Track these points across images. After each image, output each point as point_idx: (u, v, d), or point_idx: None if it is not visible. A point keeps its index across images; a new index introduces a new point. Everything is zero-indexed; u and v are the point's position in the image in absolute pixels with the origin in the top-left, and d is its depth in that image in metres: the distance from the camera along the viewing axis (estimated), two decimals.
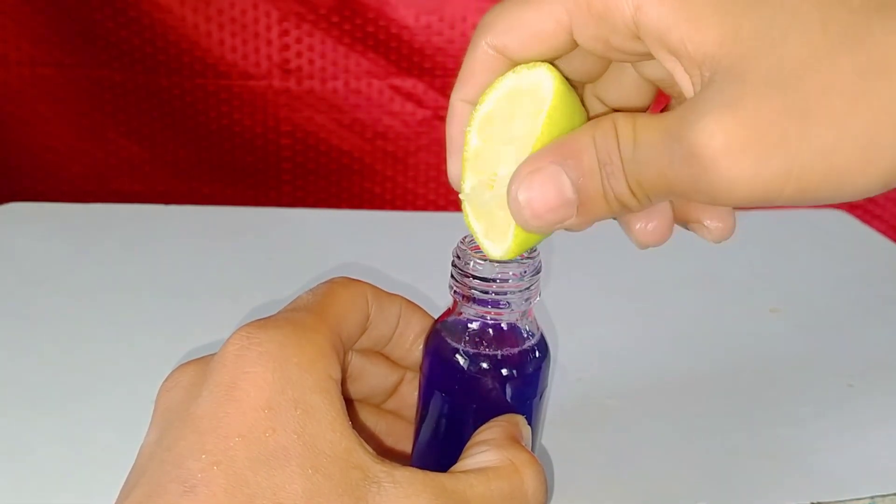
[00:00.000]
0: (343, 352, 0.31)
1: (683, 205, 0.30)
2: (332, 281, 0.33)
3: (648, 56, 0.27)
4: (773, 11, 0.24)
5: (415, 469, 0.28)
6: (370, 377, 0.35)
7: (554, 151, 0.27)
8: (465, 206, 0.31)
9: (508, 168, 0.29)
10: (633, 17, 0.25)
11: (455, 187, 0.31)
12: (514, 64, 0.29)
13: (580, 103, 0.30)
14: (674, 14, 0.25)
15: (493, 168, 0.30)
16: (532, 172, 0.27)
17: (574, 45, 0.28)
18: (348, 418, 0.28)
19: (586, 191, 0.27)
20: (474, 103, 0.30)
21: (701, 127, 0.24)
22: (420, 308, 0.36)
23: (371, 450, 0.28)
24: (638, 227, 0.30)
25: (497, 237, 0.31)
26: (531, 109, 0.29)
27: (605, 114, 0.29)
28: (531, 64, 0.29)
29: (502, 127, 0.29)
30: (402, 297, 0.35)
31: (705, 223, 0.30)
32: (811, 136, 0.23)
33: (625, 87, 0.32)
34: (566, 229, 0.29)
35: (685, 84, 0.26)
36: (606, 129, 0.26)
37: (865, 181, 0.24)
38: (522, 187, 0.27)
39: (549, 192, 0.27)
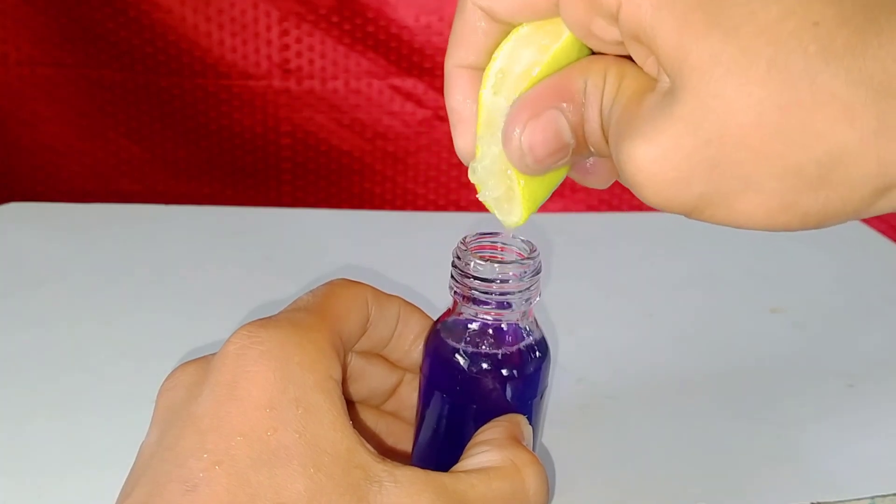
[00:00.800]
0: (343, 352, 0.31)
1: None
2: (332, 282, 0.33)
3: (622, 47, 0.27)
4: (725, 46, 0.23)
5: (416, 468, 0.28)
6: (369, 378, 0.35)
7: (551, 94, 0.28)
8: (475, 178, 0.30)
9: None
10: (617, 8, 0.25)
11: (465, 162, 0.31)
12: (504, 25, 0.28)
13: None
14: (646, 21, 0.25)
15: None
16: (533, 118, 0.28)
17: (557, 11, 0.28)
18: (349, 418, 0.28)
19: (579, 134, 0.28)
20: (470, 67, 0.29)
21: (627, 147, 0.25)
22: (419, 309, 0.36)
23: (372, 449, 0.28)
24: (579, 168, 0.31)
25: (508, 201, 0.30)
26: (542, 43, 0.28)
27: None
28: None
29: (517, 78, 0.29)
30: (400, 299, 0.35)
31: None
32: (715, 180, 0.24)
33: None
34: None
35: (652, 72, 0.26)
36: (598, 77, 0.27)
37: (771, 227, 0.25)
38: (526, 133, 0.28)
39: (550, 137, 0.28)
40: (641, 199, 0.26)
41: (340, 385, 0.29)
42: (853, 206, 0.24)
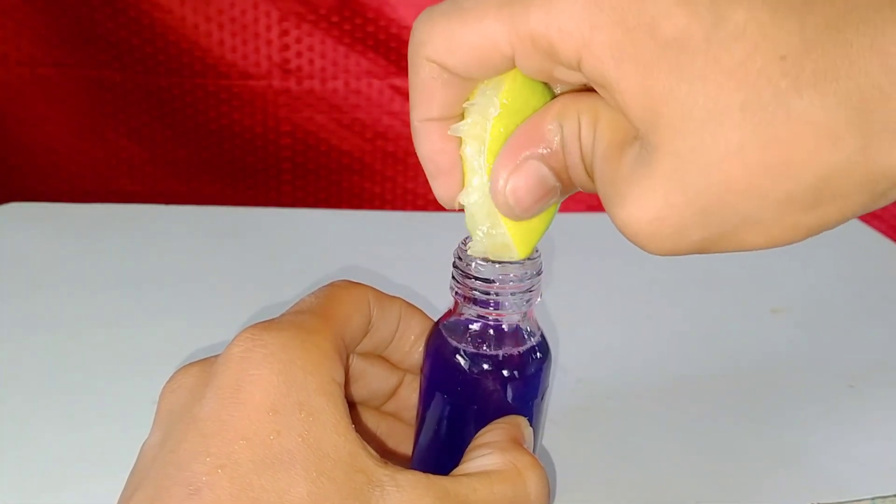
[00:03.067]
0: (346, 355, 0.31)
1: None
2: (333, 284, 0.33)
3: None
4: (695, 97, 0.23)
5: (418, 472, 0.28)
6: (370, 380, 0.35)
7: (528, 142, 0.28)
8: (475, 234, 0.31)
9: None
10: (577, 62, 0.25)
11: (447, 206, 0.31)
12: (459, 77, 0.28)
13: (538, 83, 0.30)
14: (609, 76, 0.25)
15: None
16: (514, 170, 0.28)
17: (513, 66, 0.28)
18: (351, 421, 0.28)
19: (564, 177, 0.28)
20: (435, 120, 0.29)
21: (619, 213, 0.26)
22: (420, 310, 0.36)
23: (374, 453, 0.28)
24: None
25: (501, 245, 0.31)
26: (493, 89, 0.29)
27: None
28: None
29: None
30: (401, 300, 0.35)
31: None
32: (713, 225, 0.25)
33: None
34: None
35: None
36: (572, 121, 0.27)
37: (774, 247, 0.26)
38: (510, 184, 0.28)
39: (534, 185, 0.28)
40: (649, 251, 0.26)
41: (343, 388, 0.29)
42: (852, 212, 0.24)
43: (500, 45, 0.26)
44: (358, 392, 0.35)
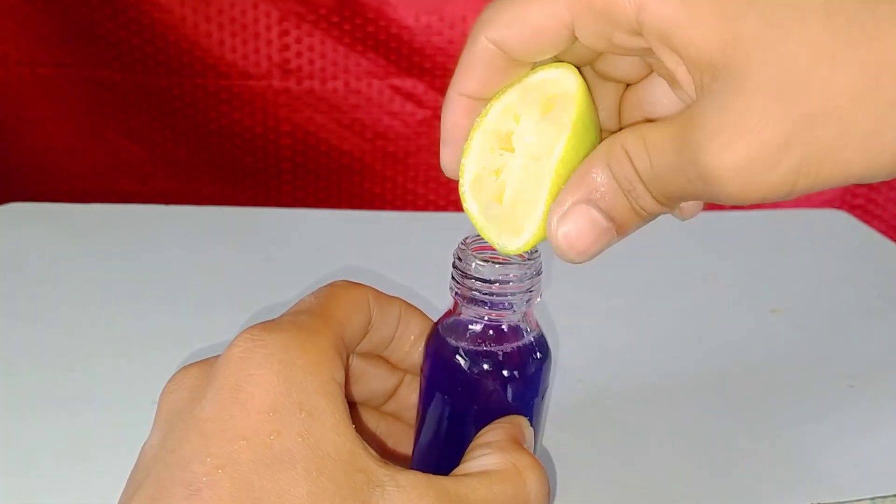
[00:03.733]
0: (346, 355, 0.31)
1: None
2: (333, 284, 0.33)
3: (650, 51, 0.27)
4: (776, 7, 0.23)
5: (418, 472, 0.28)
6: (370, 380, 0.35)
7: (576, 189, 0.28)
8: (470, 204, 0.31)
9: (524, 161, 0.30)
10: (637, 16, 0.25)
11: (448, 175, 0.32)
12: (513, 60, 0.29)
13: (595, 108, 0.30)
14: (677, 15, 0.24)
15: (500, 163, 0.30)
16: (564, 215, 0.28)
17: (573, 39, 0.28)
18: (351, 421, 0.28)
19: (619, 215, 0.28)
20: (471, 97, 0.30)
21: (709, 150, 0.24)
22: (419, 311, 0.36)
23: (374, 453, 0.28)
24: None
25: (509, 228, 0.31)
26: (555, 118, 0.29)
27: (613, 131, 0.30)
28: (554, 64, 0.29)
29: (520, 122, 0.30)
30: (401, 300, 0.35)
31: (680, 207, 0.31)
32: (814, 137, 0.24)
33: (623, 64, 0.31)
34: None
35: (686, 83, 0.26)
36: (620, 157, 0.28)
37: (872, 173, 0.24)
38: (560, 230, 0.28)
39: (585, 228, 0.28)
40: (741, 196, 0.25)
41: (343, 388, 0.29)
42: None
43: (560, 12, 0.27)
44: (358, 392, 0.35)
